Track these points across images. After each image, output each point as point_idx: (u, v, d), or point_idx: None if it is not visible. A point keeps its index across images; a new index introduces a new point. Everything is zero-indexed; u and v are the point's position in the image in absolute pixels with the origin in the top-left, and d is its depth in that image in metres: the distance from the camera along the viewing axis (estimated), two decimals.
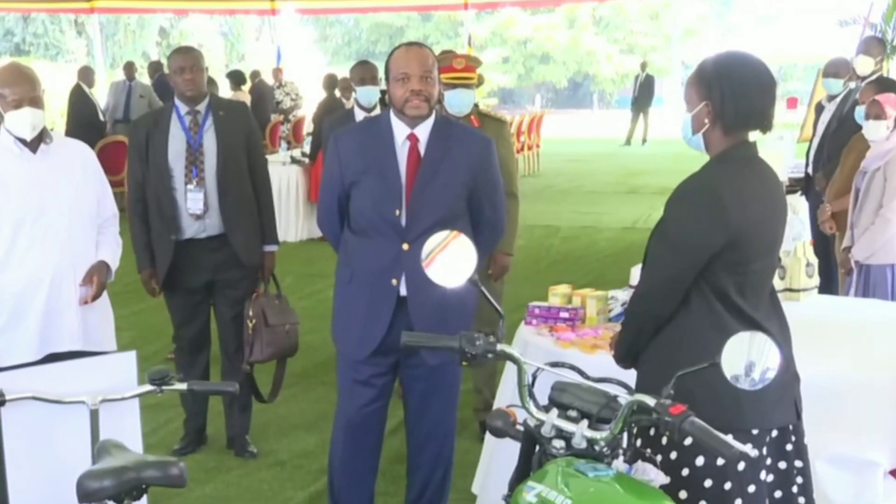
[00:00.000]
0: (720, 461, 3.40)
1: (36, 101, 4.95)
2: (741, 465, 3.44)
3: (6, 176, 4.92)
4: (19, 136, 4.94)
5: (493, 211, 4.87)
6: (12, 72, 5.10)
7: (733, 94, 3.48)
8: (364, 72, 8.39)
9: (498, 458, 4.85)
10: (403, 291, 4.67)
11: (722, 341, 3.19)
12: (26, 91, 4.92)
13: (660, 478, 3.03)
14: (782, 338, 3.57)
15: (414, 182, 4.63)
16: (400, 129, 4.69)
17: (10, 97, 4.89)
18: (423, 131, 4.69)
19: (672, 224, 3.50)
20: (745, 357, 2.91)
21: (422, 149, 4.69)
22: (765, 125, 3.56)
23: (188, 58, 6.20)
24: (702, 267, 3.42)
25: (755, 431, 3.48)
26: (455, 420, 5.10)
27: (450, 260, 3.29)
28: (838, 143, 8.27)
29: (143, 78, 20.48)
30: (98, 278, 5.13)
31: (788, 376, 3.57)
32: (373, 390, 4.87)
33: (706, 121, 3.52)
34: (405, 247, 4.63)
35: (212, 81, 16.01)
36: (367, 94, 8.39)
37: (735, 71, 3.54)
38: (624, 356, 3.70)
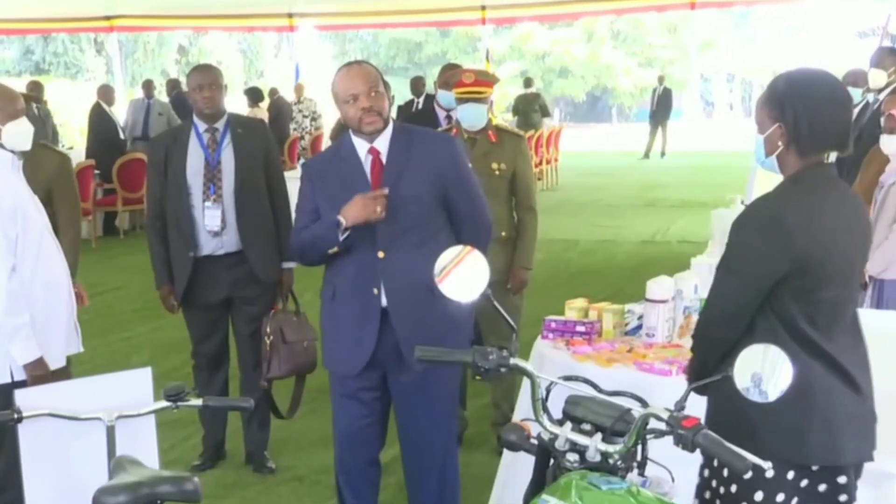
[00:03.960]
0: (780, 497, 3.35)
1: (28, 114, 4.98)
2: (794, 501, 3.38)
3: (17, 189, 4.92)
4: (19, 148, 4.94)
5: (470, 206, 4.88)
6: (2, 87, 5.12)
7: (807, 114, 3.34)
8: None
9: (515, 471, 4.84)
10: (384, 302, 4.70)
11: None
12: (21, 103, 4.96)
13: (674, 491, 3.03)
14: (859, 370, 3.44)
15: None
16: (361, 146, 4.77)
17: (9, 108, 4.89)
18: (383, 143, 4.76)
19: (734, 249, 3.41)
20: (758, 369, 2.90)
21: (384, 159, 4.75)
22: (841, 145, 3.42)
23: (206, 75, 6.25)
24: (766, 293, 3.33)
25: (815, 468, 3.38)
26: (453, 434, 5.09)
27: (463, 275, 3.30)
28: (860, 153, 8.22)
29: (162, 96, 20.57)
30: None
31: (863, 411, 3.46)
32: (361, 406, 4.88)
33: (779, 143, 3.39)
34: (380, 254, 4.68)
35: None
36: None
37: (807, 89, 3.39)
38: (695, 380, 3.62)
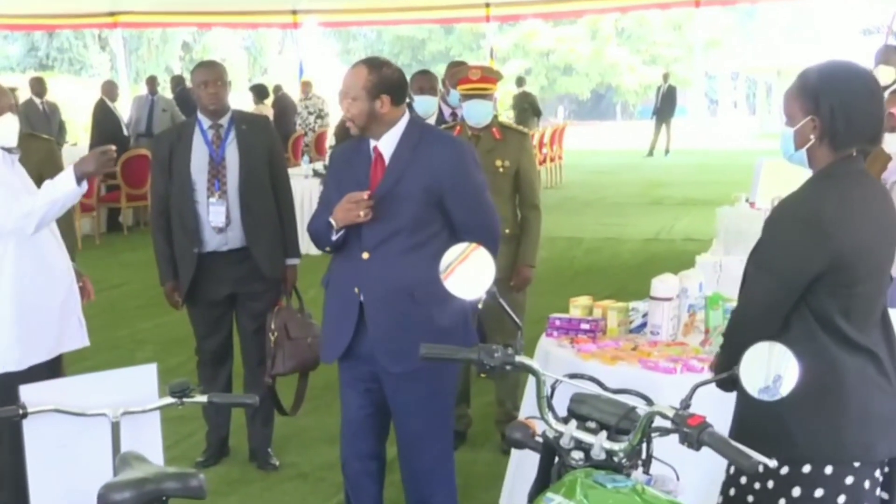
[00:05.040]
0: (818, 493, 3.32)
1: (13, 109, 4.98)
2: (842, 499, 3.33)
3: (14, 185, 4.92)
4: (5, 144, 4.94)
5: (473, 216, 4.75)
6: None
7: (843, 107, 3.27)
8: (423, 81, 8.11)
9: (525, 470, 4.81)
10: (364, 301, 4.70)
11: (823, 367, 3.12)
12: (6, 99, 4.95)
13: (679, 489, 3.02)
14: (892, 364, 3.40)
15: (375, 193, 4.64)
16: (372, 143, 4.75)
17: None
18: (388, 142, 4.71)
19: (770, 248, 3.34)
20: (764, 368, 2.88)
21: (387, 160, 4.72)
22: (875, 139, 3.35)
23: (211, 72, 6.24)
24: (802, 291, 3.27)
25: (857, 464, 3.33)
26: (448, 433, 5.01)
27: (468, 272, 3.28)
28: None
29: (166, 92, 20.58)
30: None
31: (895, 405, 3.39)
32: (357, 395, 4.87)
33: (811, 136, 3.32)
34: (364, 256, 4.66)
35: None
36: (423, 104, 8.04)
37: (843, 82, 3.32)
38: (724, 380, 3.60)
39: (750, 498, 3.44)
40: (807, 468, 3.30)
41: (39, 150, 6.05)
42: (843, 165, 3.33)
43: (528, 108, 25.00)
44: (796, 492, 3.34)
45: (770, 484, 3.38)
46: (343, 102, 4.69)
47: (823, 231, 3.23)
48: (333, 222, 4.62)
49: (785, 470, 3.28)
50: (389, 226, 4.62)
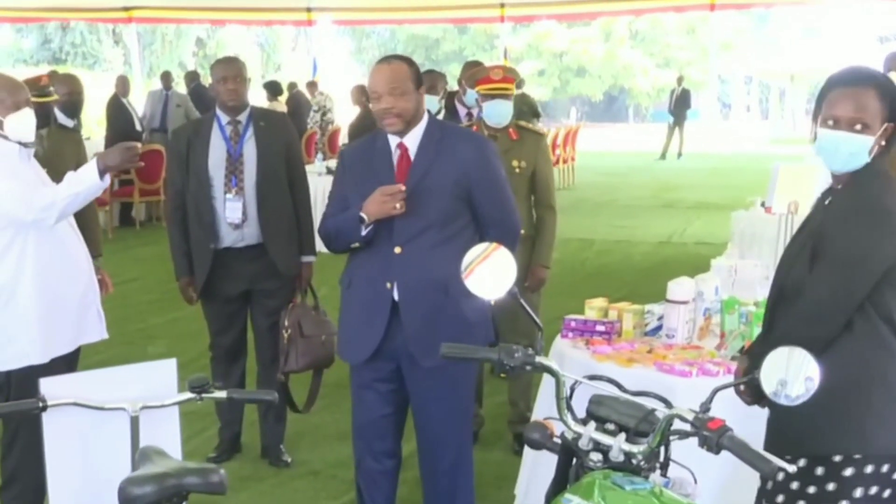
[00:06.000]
0: (873, 489, 3.36)
1: (30, 104, 4.99)
2: (887, 493, 3.38)
3: (30, 179, 4.95)
4: (23, 139, 4.94)
5: (497, 210, 4.81)
6: (5, 77, 5.10)
7: None
8: (425, 80, 8.06)
9: (539, 470, 4.82)
10: (396, 296, 4.68)
11: (886, 365, 3.15)
12: (24, 94, 4.97)
13: (696, 492, 3.03)
14: None
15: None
16: (393, 140, 4.75)
17: (10, 100, 4.89)
18: (413, 139, 4.73)
19: (842, 243, 3.37)
20: (784, 372, 2.89)
21: (412, 156, 4.72)
22: None
23: (231, 68, 6.24)
24: (871, 287, 3.33)
25: None
26: (468, 431, 5.04)
27: (490, 271, 3.29)
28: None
29: (180, 87, 20.59)
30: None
31: None
32: (376, 396, 4.85)
33: (882, 142, 3.39)
34: (397, 250, 4.66)
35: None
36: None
37: None
38: (745, 387, 3.56)
39: (801, 503, 3.45)
40: (869, 468, 3.33)
41: (71, 141, 6.11)
42: (881, 163, 3.41)
43: (526, 110, 24.95)
44: (858, 493, 3.38)
45: (831, 486, 3.40)
46: (384, 99, 4.63)
47: (894, 223, 3.31)
48: (365, 216, 4.61)
49: (849, 472, 3.30)
50: (421, 220, 4.63)
